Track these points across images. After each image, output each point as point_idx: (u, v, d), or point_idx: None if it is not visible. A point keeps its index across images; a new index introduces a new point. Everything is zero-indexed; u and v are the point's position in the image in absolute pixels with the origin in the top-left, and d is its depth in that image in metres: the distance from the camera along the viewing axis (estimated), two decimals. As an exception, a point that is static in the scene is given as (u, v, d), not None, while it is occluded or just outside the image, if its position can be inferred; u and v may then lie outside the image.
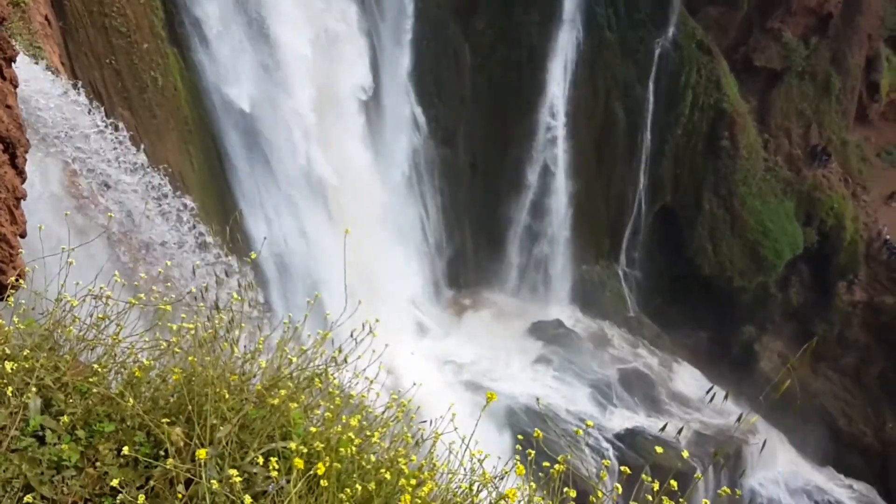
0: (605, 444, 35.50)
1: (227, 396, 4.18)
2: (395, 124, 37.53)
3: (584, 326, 42.81)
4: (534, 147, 40.68)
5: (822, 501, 39.11)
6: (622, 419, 37.74)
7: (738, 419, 4.74)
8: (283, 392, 4.27)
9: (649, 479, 4.58)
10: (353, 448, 4.17)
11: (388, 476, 4.15)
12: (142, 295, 5.47)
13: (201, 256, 26.64)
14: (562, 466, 4.41)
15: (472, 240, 42.85)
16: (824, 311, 41.89)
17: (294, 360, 4.68)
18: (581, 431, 35.46)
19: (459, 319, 40.93)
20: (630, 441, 36.35)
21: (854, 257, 42.44)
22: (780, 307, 42.79)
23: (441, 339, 38.75)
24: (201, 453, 3.79)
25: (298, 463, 3.44)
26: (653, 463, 35.66)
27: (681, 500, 4.08)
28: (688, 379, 40.74)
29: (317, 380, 4.58)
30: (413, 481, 4.14)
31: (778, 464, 39.23)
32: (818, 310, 42.11)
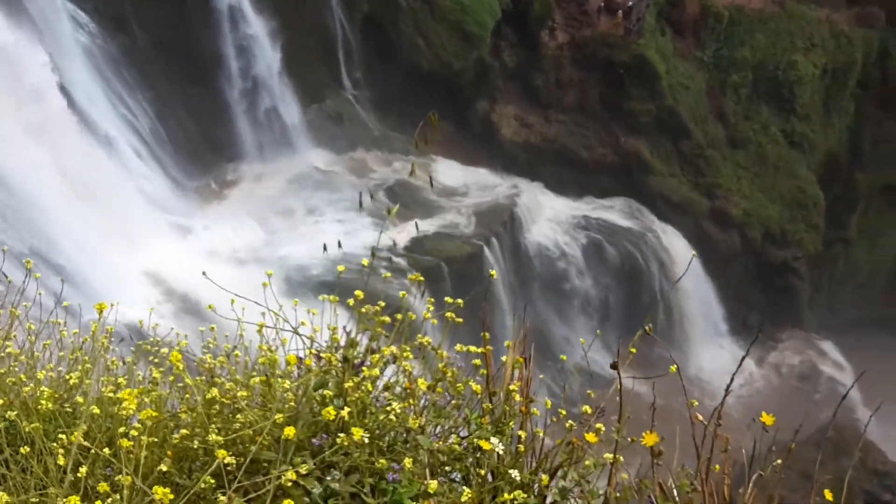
0: (398, 259, 36.88)
1: None
2: (53, 28, 33.13)
3: (338, 162, 42.66)
4: (212, 5, 37.83)
5: (592, 226, 43.85)
6: (406, 232, 39.04)
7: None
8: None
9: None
10: (49, 402, 3.79)
11: (97, 410, 3.84)
12: None
13: None
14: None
15: (194, 122, 40.13)
16: (538, 63, 44.54)
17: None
18: (366, 262, 36.46)
19: (214, 205, 39.15)
20: (420, 248, 38.03)
21: (546, 4, 44.73)
22: (500, 74, 44.89)
23: (204, 231, 37.01)
24: None
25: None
26: (445, 257, 37.89)
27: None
28: (448, 171, 42.54)
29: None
30: (128, 402, 3.85)
31: (545, 212, 43.05)
32: (532, 64, 44.67)
